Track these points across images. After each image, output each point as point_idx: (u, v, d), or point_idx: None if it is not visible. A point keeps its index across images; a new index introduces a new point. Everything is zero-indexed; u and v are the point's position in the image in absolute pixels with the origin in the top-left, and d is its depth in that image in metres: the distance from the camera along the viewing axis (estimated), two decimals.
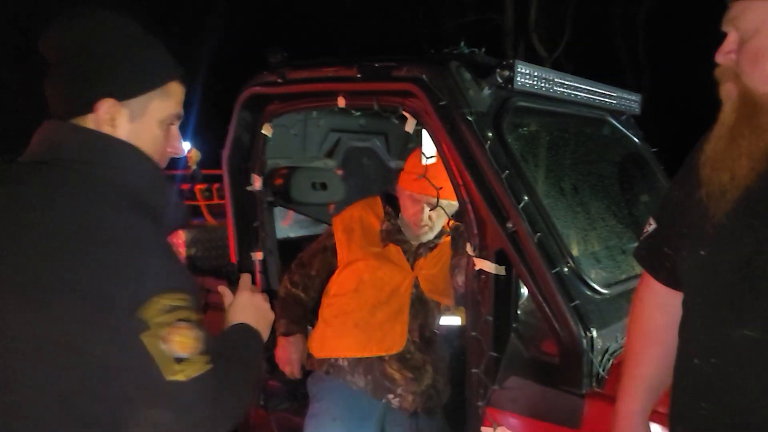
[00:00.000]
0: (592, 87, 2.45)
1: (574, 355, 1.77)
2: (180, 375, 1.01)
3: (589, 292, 1.89)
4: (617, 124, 2.77)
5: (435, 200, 2.23)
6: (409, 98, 2.11)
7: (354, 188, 3.48)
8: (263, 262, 2.71)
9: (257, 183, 2.67)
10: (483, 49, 2.23)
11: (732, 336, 1.08)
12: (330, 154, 3.34)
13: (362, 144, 3.47)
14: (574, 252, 1.99)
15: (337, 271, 2.39)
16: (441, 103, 2.00)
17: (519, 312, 1.98)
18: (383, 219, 2.39)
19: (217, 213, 3.58)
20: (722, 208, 1.10)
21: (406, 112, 2.12)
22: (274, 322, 2.45)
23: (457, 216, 2.19)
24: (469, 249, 1.97)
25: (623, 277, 2.13)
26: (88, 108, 1.13)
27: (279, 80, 2.48)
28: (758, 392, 1.05)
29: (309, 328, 2.50)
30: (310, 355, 2.37)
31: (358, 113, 2.42)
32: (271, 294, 2.71)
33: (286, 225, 3.24)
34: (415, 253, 2.34)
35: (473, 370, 1.94)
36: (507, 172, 1.92)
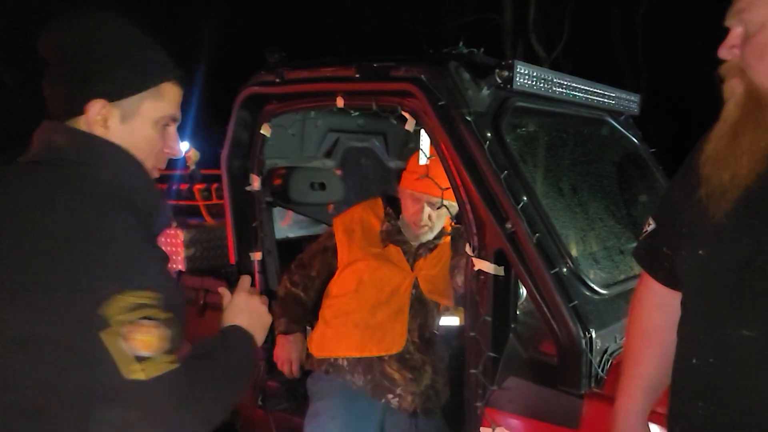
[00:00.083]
0: (591, 87, 2.45)
1: (573, 356, 1.77)
2: (140, 374, 0.98)
3: (587, 293, 1.89)
4: (616, 125, 2.77)
5: (435, 200, 2.24)
6: (407, 98, 2.10)
7: (353, 188, 3.48)
8: (262, 262, 2.71)
9: (256, 183, 2.67)
10: (482, 49, 2.23)
11: (731, 336, 1.08)
12: (329, 154, 3.34)
13: (361, 144, 3.47)
14: (573, 252, 1.99)
15: (337, 272, 2.40)
16: (440, 103, 2.00)
17: (518, 312, 1.98)
18: (383, 220, 2.40)
19: (216, 213, 3.57)
20: (722, 208, 1.10)
21: (405, 112, 2.11)
22: (274, 321, 2.45)
23: (458, 217, 2.19)
24: (468, 249, 1.96)
25: (622, 277, 2.13)
26: (81, 108, 1.14)
27: (277, 80, 2.48)
28: (757, 392, 1.05)
29: (308, 328, 2.50)
30: (309, 355, 2.37)
31: (357, 113, 2.42)
32: (270, 294, 2.71)
33: (285, 225, 3.24)
34: (415, 254, 2.35)
35: (472, 371, 1.94)
36: (506, 172, 1.92)
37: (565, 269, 1.86)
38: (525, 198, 1.91)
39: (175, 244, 3.30)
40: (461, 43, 2.19)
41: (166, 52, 1.23)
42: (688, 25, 12.99)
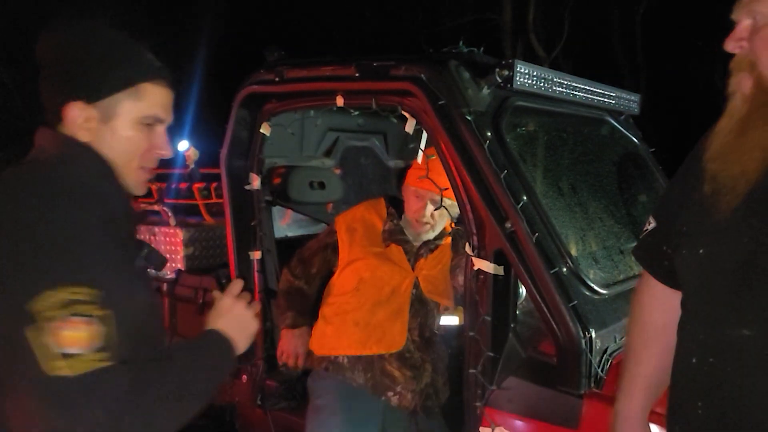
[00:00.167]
0: (591, 87, 2.45)
1: (573, 356, 1.77)
2: (65, 370, 0.96)
3: (587, 293, 1.89)
4: (616, 124, 2.77)
5: (438, 197, 2.24)
6: (407, 97, 2.10)
7: (352, 187, 3.48)
8: (261, 261, 2.71)
9: (255, 182, 2.67)
10: (481, 49, 2.23)
11: (730, 336, 1.07)
12: (328, 154, 3.34)
13: (360, 143, 3.47)
14: (573, 252, 1.99)
15: (338, 271, 2.41)
16: (440, 103, 2.00)
17: (517, 312, 1.98)
18: (386, 219, 2.41)
19: (215, 212, 3.57)
20: (732, 203, 1.08)
21: (405, 111, 2.11)
22: (279, 314, 2.45)
23: (458, 219, 2.20)
24: (467, 249, 1.96)
25: (622, 277, 2.13)
26: (61, 110, 1.18)
27: (276, 79, 2.47)
28: (756, 392, 1.05)
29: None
30: (310, 353, 2.37)
31: (356, 112, 2.41)
32: (269, 293, 2.71)
33: (284, 224, 3.23)
34: (416, 254, 2.36)
35: (471, 371, 1.94)
36: (505, 171, 1.92)
37: (564, 269, 1.86)
38: (525, 197, 1.91)
39: (174, 243, 3.30)
40: (461, 43, 2.18)
41: (153, 54, 1.25)
42: (687, 24, 12.99)
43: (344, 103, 2.30)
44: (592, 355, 1.77)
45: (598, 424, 1.69)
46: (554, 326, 1.81)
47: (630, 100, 2.74)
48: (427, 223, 2.32)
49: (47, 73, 1.19)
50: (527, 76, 2.06)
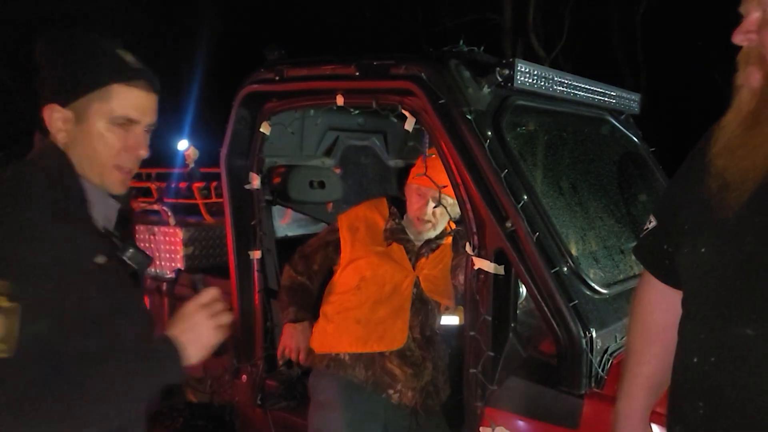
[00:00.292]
0: (592, 86, 2.44)
1: (573, 355, 1.77)
2: None
3: (588, 292, 1.89)
4: (617, 124, 2.76)
5: (439, 194, 2.26)
6: (407, 96, 2.10)
7: (352, 187, 3.47)
8: (261, 260, 2.71)
9: (255, 181, 2.66)
10: (482, 48, 2.23)
11: (733, 335, 1.06)
12: (328, 153, 3.33)
13: (361, 143, 3.47)
14: (574, 251, 1.99)
15: (339, 269, 2.42)
16: (440, 102, 2.00)
17: (518, 312, 1.98)
18: (388, 218, 2.42)
19: (215, 211, 3.57)
20: (740, 198, 1.07)
21: (405, 110, 2.11)
22: (281, 310, 2.46)
23: (459, 219, 2.20)
24: (468, 248, 1.96)
25: (622, 276, 2.13)
26: (42, 113, 1.23)
27: (276, 78, 2.47)
28: (759, 392, 1.04)
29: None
30: (310, 351, 2.37)
31: (357, 112, 2.41)
32: (268, 293, 2.71)
33: (284, 224, 3.23)
34: (417, 253, 2.37)
35: (472, 370, 1.93)
36: (506, 171, 1.92)
37: (565, 268, 1.86)
38: (525, 197, 1.91)
39: (174, 242, 3.30)
40: (461, 42, 2.18)
41: (134, 57, 1.29)
42: (687, 24, 12.99)
43: (344, 102, 2.30)
44: (592, 354, 1.77)
45: (598, 424, 1.68)
46: (555, 326, 1.80)
47: (630, 100, 2.74)
48: (428, 221, 2.33)
49: (37, 78, 1.25)
50: (528, 75, 2.05)
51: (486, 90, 2.03)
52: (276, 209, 3.04)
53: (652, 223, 1.34)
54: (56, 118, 1.23)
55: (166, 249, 3.32)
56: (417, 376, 2.27)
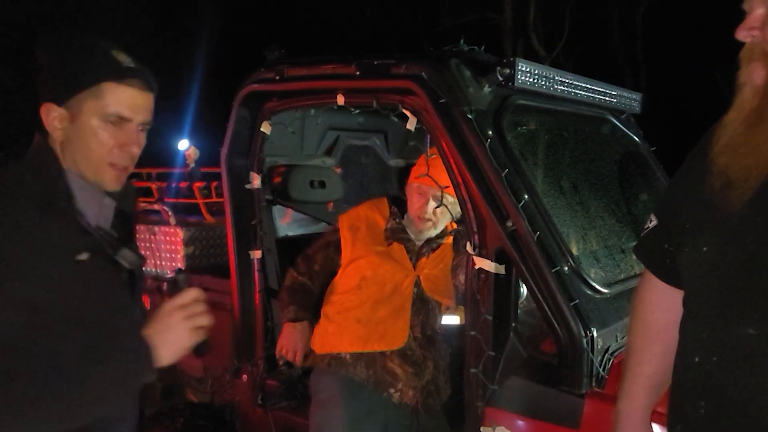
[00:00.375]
0: (593, 85, 2.44)
1: (574, 355, 1.76)
2: None
3: (589, 292, 1.89)
4: (617, 123, 2.76)
5: (439, 193, 2.26)
6: (408, 96, 2.10)
7: (353, 187, 3.47)
8: (261, 260, 2.70)
9: (256, 181, 2.66)
10: (482, 48, 2.23)
11: (735, 335, 1.06)
12: (329, 152, 3.33)
13: (361, 142, 3.46)
14: (574, 251, 1.98)
15: (341, 269, 2.42)
16: (441, 101, 1.99)
17: (518, 311, 1.98)
18: (388, 218, 2.43)
19: (216, 211, 3.57)
20: (744, 196, 1.07)
21: (406, 109, 2.11)
22: (282, 309, 2.46)
23: (460, 219, 2.20)
24: (468, 247, 1.96)
25: (623, 276, 2.13)
26: (40, 112, 1.26)
27: (277, 77, 2.47)
28: (761, 392, 1.04)
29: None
30: (311, 353, 2.37)
31: (357, 111, 2.41)
32: (269, 293, 2.71)
33: (285, 223, 3.23)
34: (417, 253, 2.38)
35: (472, 370, 1.93)
36: (507, 170, 1.91)
37: (566, 268, 1.86)
38: (526, 196, 1.91)
39: (174, 242, 3.30)
40: (462, 41, 2.18)
41: (129, 57, 1.31)
42: (687, 24, 13.00)
43: (345, 102, 2.30)
44: (593, 354, 1.76)
45: (599, 424, 1.68)
46: (556, 325, 1.80)
47: (631, 99, 2.74)
48: (429, 220, 2.34)
49: (37, 78, 1.28)
50: (528, 75, 2.05)
51: (487, 89, 2.03)
52: (276, 209, 3.04)
53: (652, 222, 1.33)
54: (53, 117, 1.26)
55: (167, 249, 3.32)
56: (418, 376, 2.27)
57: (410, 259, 2.36)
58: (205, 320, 1.28)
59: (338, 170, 3.39)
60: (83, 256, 1.21)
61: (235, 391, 2.77)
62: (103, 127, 1.26)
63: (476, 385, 1.93)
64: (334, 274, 2.47)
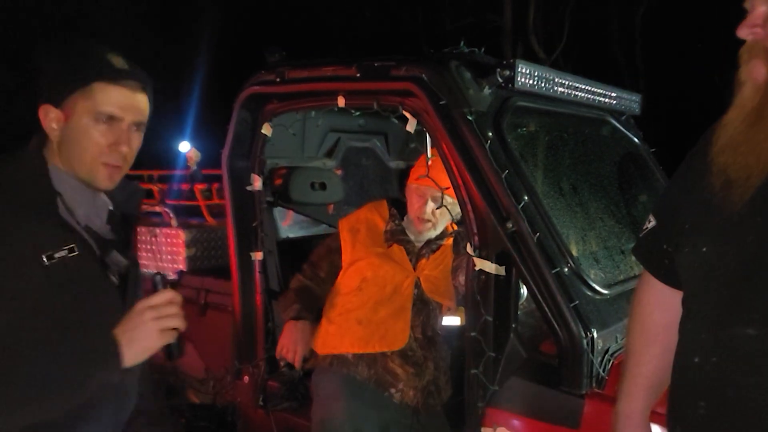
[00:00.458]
0: (593, 87, 2.45)
1: (575, 356, 1.77)
2: None
3: (589, 293, 1.89)
4: (617, 124, 2.77)
5: (439, 194, 2.27)
6: (408, 98, 2.10)
7: (353, 188, 3.48)
8: (263, 262, 2.71)
9: (257, 183, 2.67)
10: (482, 50, 2.23)
11: (734, 335, 1.06)
12: (330, 154, 3.34)
13: (362, 144, 3.47)
14: (574, 252, 1.99)
15: (341, 271, 2.43)
16: (441, 103, 2.00)
17: (519, 312, 1.98)
18: (388, 220, 2.43)
19: (217, 213, 3.58)
20: (745, 195, 1.07)
21: (406, 111, 2.11)
22: (285, 309, 2.47)
23: (460, 221, 2.20)
24: (468, 249, 1.96)
25: (623, 277, 2.13)
26: (38, 113, 1.30)
27: (277, 79, 2.47)
28: (760, 392, 1.04)
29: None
30: (312, 354, 2.37)
31: (357, 113, 2.42)
32: (270, 294, 2.71)
33: (286, 225, 3.24)
34: (417, 254, 2.38)
35: (473, 371, 1.94)
36: (507, 171, 1.92)
37: (566, 269, 1.86)
38: (526, 197, 1.91)
39: (176, 244, 3.30)
40: (462, 43, 2.18)
41: (121, 58, 1.34)
42: (687, 26, 13.00)
43: (345, 104, 2.31)
44: (593, 355, 1.77)
45: (599, 425, 1.68)
46: (556, 326, 1.80)
47: (631, 100, 2.74)
48: (428, 220, 2.35)
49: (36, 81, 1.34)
50: (528, 76, 2.06)
51: (487, 91, 2.04)
52: (277, 211, 3.05)
53: (651, 223, 1.33)
54: (50, 118, 1.30)
55: (169, 250, 3.33)
56: (418, 376, 2.28)
57: (410, 260, 2.37)
58: (177, 322, 1.26)
59: (339, 172, 3.40)
60: (60, 254, 1.22)
61: (237, 392, 2.78)
62: (95, 127, 1.30)
63: (477, 385, 1.93)
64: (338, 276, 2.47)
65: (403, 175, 3.12)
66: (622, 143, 2.77)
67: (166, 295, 1.26)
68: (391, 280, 2.32)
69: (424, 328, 2.34)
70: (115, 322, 1.25)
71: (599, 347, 1.79)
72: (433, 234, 2.40)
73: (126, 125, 1.33)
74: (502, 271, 1.91)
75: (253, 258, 2.70)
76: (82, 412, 1.28)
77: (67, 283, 1.23)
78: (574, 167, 2.41)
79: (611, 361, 1.82)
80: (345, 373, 2.27)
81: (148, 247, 3.38)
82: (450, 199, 2.27)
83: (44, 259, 1.20)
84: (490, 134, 1.97)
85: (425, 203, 2.33)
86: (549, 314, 1.81)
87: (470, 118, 1.97)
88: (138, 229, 3.45)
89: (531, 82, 2.07)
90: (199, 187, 3.67)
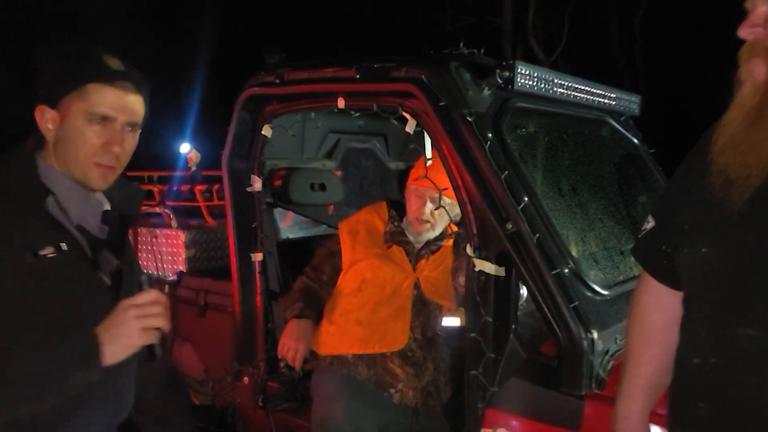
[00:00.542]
0: (592, 88, 2.45)
1: (575, 357, 1.76)
2: None
3: (589, 294, 1.89)
4: (616, 125, 2.77)
5: (437, 195, 2.27)
6: (408, 99, 2.10)
7: (353, 189, 3.48)
8: (263, 263, 2.71)
9: (257, 184, 2.67)
10: (482, 51, 2.23)
11: (735, 336, 1.06)
12: (329, 155, 3.34)
13: (361, 145, 3.47)
14: (574, 253, 1.99)
15: (341, 273, 2.43)
16: (440, 104, 2.00)
17: (518, 313, 1.98)
18: (387, 221, 2.44)
19: (217, 214, 3.58)
20: (744, 194, 1.07)
21: (406, 112, 2.12)
22: (288, 308, 2.47)
23: (460, 222, 2.20)
24: (468, 250, 1.97)
25: (623, 278, 2.13)
26: (34, 114, 1.33)
27: (277, 81, 2.48)
28: (761, 393, 1.04)
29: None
30: (312, 356, 2.37)
31: (357, 114, 2.42)
32: (270, 295, 2.71)
33: (286, 226, 3.24)
34: (417, 255, 2.38)
35: (473, 372, 1.94)
36: (507, 172, 1.92)
37: (566, 270, 1.86)
38: (526, 198, 1.91)
39: (176, 245, 3.30)
40: (461, 44, 2.18)
41: (117, 59, 1.35)
42: (686, 27, 13.01)
43: (345, 105, 2.31)
44: (593, 356, 1.77)
45: (599, 426, 1.68)
46: (556, 327, 1.80)
47: (630, 101, 2.75)
48: (427, 221, 2.35)
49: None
50: (528, 78, 2.06)
51: (486, 92, 2.04)
52: (277, 212, 3.05)
53: (650, 224, 1.33)
54: (46, 119, 1.33)
55: (169, 251, 3.33)
56: (418, 377, 2.28)
57: (410, 261, 2.37)
58: (159, 322, 1.25)
59: (338, 173, 3.40)
60: (46, 252, 1.23)
61: (236, 393, 2.78)
62: (88, 127, 1.31)
63: (476, 386, 1.93)
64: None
65: (403, 176, 3.13)
66: (621, 144, 2.78)
67: (151, 294, 1.26)
68: (390, 281, 2.32)
69: (424, 328, 2.34)
70: (96, 319, 1.25)
71: (599, 348, 1.79)
72: (432, 235, 2.40)
73: (119, 126, 1.34)
74: (502, 272, 1.91)
75: (253, 259, 2.70)
76: (70, 410, 1.28)
77: (52, 281, 1.24)
78: (573, 168, 2.41)
79: (611, 362, 1.82)
80: (345, 373, 2.27)
81: (149, 248, 3.38)
82: (449, 200, 2.27)
83: (29, 257, 1.21)
84: (490, 135, 1.97)
85: (424, 204, 2.33)
86: (549, 315, 1.81)
87: (470, 120, 1.97)
88: (138, 230, 3.45)
89: (530, 83, 2.07)
90: (199, 188, 3.67)
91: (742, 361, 1.06)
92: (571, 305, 1.79)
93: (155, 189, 3.78)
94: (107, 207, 1.41)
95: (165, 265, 3.35)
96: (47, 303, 1.23)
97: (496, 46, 13.28)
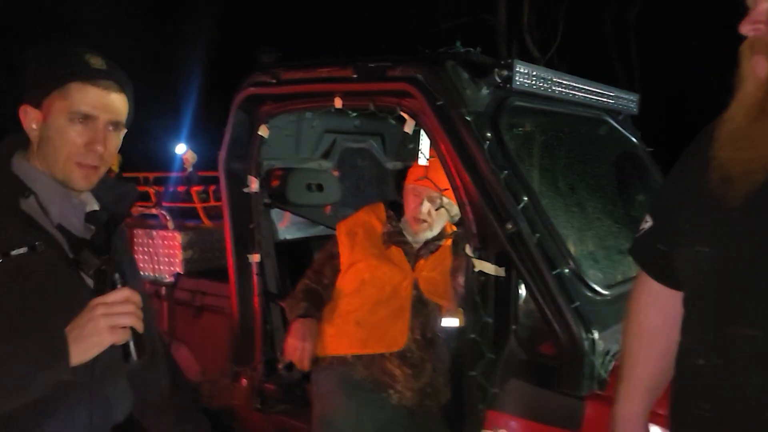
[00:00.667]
0: (590, 87, 2.44)
1: (575, 357, 1.76)
2: None
3: (589, 294, 1.88)
4: (615, 124, 2.77)
5: (435, 194, 2.26)
6: (405, 98, 2.10)
7: (350, 189, 3.47)
8: (260, 264, 2.70)
9: (254, 185, 2.66)
10: (478, 49, 2.22)
11: (735, 335, 1.06)
12: (326, 156, 3.33)
13: (358, 145, 3.46)
14: (574, 253, 1.98)
15: (341, 274, 2.42)
16: (438, 103, 1.99)
17: (518, 313, 1.97)
18: (385, 222, 2.43)
19: (214, 215, 3.57)
20: (744, 190, 1.06)
21: (404, 112, 2.11)
22: (292, 308, 2.46)
23: (459, 222, 2.19)
24: (468, 250, 1.96)
25: (623, 278, 2.12)
26: (18, 114, 1.33)
27: (273, 81, 2.46)
28: (763, 392, 1.03)
29: None
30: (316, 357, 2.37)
31: (354, 114, 2.41)
32: (268, 296, 2.70)
33: (283, 227, 3.23)
34: (416, 255, 2.38)
35: (472, 373, 1.93)
36: (505, 172, 1.91)
37: (566, 270, 1.85)
38: (525, 198, 1.90)
39: (172, 246, 3.29)
40: (458, 43, 2.17)
41: (101, 58, 1.35)
42: (681, 25, 13.04)
43: (342, 105, 2.30)
44: (594, 356, 1.76)
45: (599, 426, 1.67)
46: (556, 328, 1.80)
47: (628, 100, 2.75)
48: (424, 221, 2.34)
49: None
50: (526, 76, 2.05)
51: (484, 91, 2.03)
52: (274, 212, 3.04)
53: (648, 223, 1.32)
54: (29, 118, 1.33)
55: (165, 253, 3.32)
56: (416, 377, 2.27)
57: (408, 261, 2.37)
58: (131, 321, 1.21)
59: (335, 173, 3.39)
60: (19, 252, 1.22)
61: (234, 395, 2.77)
62: (71, 126, 1.30)
63: (476, 387, 1.92)
64: None
65: (400, 176, 3.12)
66: (619, 143, 2.77)
67: (122, 293, 1.22)
68: (389, 281, 2.32)
69: (423, 329, 2.33)
70: (62, 314, 1.23)
71: (600, 348, 1.78)
72: (430, 235, 2.39)
73: (102, 125, 1.33)
74: (501, 272, 1.91)
75: (250, 260, 2.69)
76: (48, 411, 1.26)
77: (25, 280, 1.22)
78: (572, 167, 2.40)
79: (612, 363, 1.81)
80: (343, 372, 2.27)
81: (145, 249, 3.37)
82: (446, 200, 2.27)
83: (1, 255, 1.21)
84: (489, 135, 1.97)
85: (421, 203, 2.33)
86: (549, 315, 1.81)
87: (468, 119, 1.97)
88: (134, 232, 3.44)
89: (529, 82, 2.07)
90: (196, 189, 3.66)
91: (742, 362, 1.05)
92: (572, 305, 1.79)
93: (151, 190, 3.77)
94: (95, 207, 1.40)
95: (162, 267, 3.34)
96: (17, 302, 1.22)
97: (491, 45, 13.29)
